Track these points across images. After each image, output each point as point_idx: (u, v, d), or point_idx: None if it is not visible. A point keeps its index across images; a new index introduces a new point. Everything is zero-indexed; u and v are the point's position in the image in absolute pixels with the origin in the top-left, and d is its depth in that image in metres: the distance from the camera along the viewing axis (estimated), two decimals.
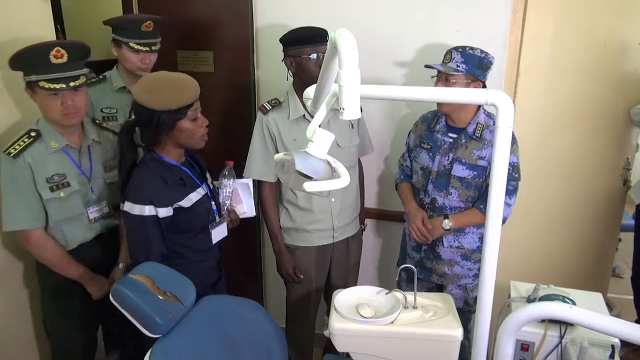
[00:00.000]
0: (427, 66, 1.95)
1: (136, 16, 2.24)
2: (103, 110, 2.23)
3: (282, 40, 2.03)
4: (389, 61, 2.34)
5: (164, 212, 1.67)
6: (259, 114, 2.12)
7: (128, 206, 1.66)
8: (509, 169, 1.92)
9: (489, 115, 2.01)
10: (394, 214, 2.48)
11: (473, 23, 2.18)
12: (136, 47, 2.15)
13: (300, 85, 2.04)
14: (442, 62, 1.92)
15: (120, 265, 2.02)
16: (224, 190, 1.93)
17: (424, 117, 2.15)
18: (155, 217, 1.66)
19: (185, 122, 1.68)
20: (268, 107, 2.11)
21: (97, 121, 2.06)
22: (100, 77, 2.27)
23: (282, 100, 2.12)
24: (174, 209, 1.70)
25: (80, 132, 1.91)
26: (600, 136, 2.46)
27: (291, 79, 2.12)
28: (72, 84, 1.74)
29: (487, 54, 1.90)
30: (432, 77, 1.98)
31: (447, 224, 1.98)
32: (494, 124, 1.98)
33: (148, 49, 2.18)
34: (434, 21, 2.23)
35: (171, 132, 1.69)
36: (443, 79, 1.91)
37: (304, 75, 2.00)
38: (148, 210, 1.64)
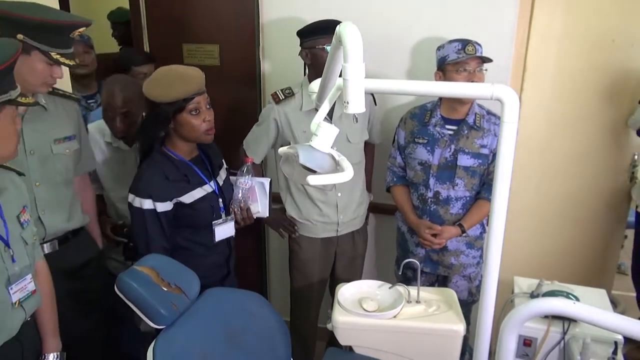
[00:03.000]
0: (478, 57, 1.89)
1: None
2: None
3: (298, 33, 2.04)
4: (395, 55, 2.32)
5: (163, 206, 1.68)
6: (271, 102, 2.12)
7: (131, 198, 1.69)
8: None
9: (480, 105, 2.05)
10: (391, 207, 2.35)
11: (481, 18, 2.17)
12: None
13: (315, 77, 2.04)
14: (467, 53, 1.88)
15: (51, 357, 1.52)
16: (241, 188, 1.87)
17: (411, 113, 2.13)
18: (154, 211, 1.67)
19: (185, 115, 1.67)
20: (281, 96, 2.10)
21: None
22: None
23: (296, 92, 2.12)
24: (174, 204, 1.71)
25: None
26: (607, 133, 2.45)
27: (302, 74, 2.12)
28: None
29: None
30: (465, 69, 1.90)
31: (463, 233, 2.03)
32: (487, 113, 2.02)
33: None
34: (441, 16, 2.21)
35: (173, 126, 1.69)
36: (473, 68, 1.89)
37: (318, 66, 1.99)
38: (147, 204, 1.67)
